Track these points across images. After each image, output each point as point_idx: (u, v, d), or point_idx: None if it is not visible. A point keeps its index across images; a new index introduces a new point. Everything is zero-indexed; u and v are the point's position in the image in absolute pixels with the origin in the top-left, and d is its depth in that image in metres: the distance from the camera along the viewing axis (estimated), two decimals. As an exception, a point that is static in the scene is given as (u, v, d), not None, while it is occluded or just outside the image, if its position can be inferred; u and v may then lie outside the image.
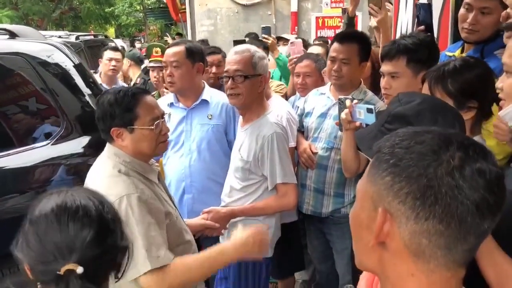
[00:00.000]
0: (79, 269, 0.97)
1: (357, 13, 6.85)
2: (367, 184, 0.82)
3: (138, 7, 25.27)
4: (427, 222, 0.73)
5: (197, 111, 2.74)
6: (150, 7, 21.67)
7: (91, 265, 1.00)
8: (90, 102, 3.08)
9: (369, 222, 0.79)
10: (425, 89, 1.69)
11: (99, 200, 1.11)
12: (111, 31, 30.14)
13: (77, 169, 2.91)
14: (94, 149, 2.78)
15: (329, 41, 4.16)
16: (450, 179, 0.72)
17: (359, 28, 7.08)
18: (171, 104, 2.80)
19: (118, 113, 1.81)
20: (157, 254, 1.69)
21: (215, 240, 2.50)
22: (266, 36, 4.11)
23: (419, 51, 2.09)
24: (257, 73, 2.26)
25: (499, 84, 1.44)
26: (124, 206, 1.68)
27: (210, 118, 2.72)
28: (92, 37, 9.78)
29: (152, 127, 1.84)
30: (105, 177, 1.80)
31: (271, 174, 2.25)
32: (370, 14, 2.82)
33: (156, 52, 4.00)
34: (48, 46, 3.18)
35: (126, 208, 1.69)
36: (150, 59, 4.09)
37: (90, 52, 8.16)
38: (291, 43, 3.63)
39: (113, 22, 26.33)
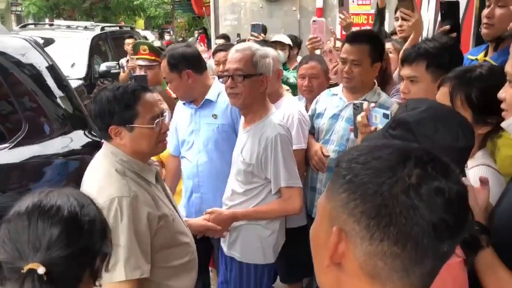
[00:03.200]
0: (40, 269, 0.93)
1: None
2: (325, 199, 0.77)
3: (166, 0, 25.42)
4: (382, 243, 0.69)
5: (204, 111, 2.69)
6: (178, 0, 21.74)
7: (58, 266, 0.95)
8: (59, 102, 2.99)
9: (327, 241, 0.74)
10: (442, 95, 1.59)
11: (81, 202, 1.06)
12: (140, 23, 30.49)
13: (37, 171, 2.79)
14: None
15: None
16: (405, 198, 0.67)
17: (386, 27, 6.90)
18: (184, 103, 2.77)
19: (117, 111, 1.74)
20: (135, 266, 1.66)
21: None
22: (255, 34, 3.93)
23: (440, 55, 1.98)
24: (258, 73, 2.17)
25: (501, 94, 1.36)
26: (114, 208, 1.64)
27: (215, 118, 2.66)
28: (118, 28, 9.83)
29: (153, 126, 1.78)
30: (100, 176, 1.76)
31: (275, 177, 2.17)
32: (402, 19, 2.70)
33: (144, 50, 3.89)
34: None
35: (116, 211, 1.64)
36: (137, 57, 3.96)
37: (115, 43, 8.18)
38: (313, 21, 3.33)
39: (142, 14, 26.56)
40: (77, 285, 1.02)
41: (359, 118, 2.05)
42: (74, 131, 3.03)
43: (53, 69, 3.11)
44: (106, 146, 1.84)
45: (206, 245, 2.70)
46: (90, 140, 3.09)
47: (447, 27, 2.24)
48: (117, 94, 1.75)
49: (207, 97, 2.66)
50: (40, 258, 0.95)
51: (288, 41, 4.61)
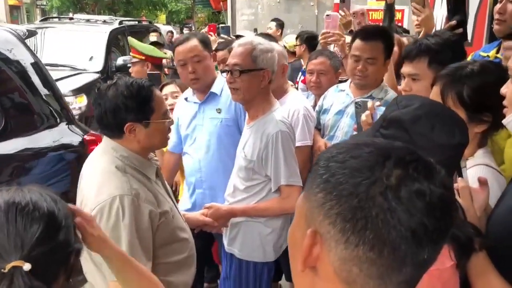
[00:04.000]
0: (26, 266, 0.91)
1: (403, 7, 6.55)
2: (303, 199, 0.73)
3: (187, -6, 25.54)
4: (357, 248, 0.64)
5: (208, 105, 2.65)
6: (198, -5, 21.83)
7: (40, 262, 0.94)
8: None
9: (302, 242, 0.70)
10: (435, 94, 1.53)
11: (52, 197, 1.05)
12: (162, 18, 30.69)
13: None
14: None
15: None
16: (382, 200, 0.63)
17: (405, 23, 6.78)
18: (186, 99, 2.75)
19: (134, 107, 1.70)
20: None
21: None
22: (225, 36, 3.88)
23: (442, 52, 1.91)
24: (257, 67, 2.13)
25: (503, 90, 1.30)
26: (115, 207, 1.62)
27: (219, 112, 2.62)
28: (136, 22, 9.89)
29: (166, 120, 1.79)
30: (100, 173, 1.72)
31: (275, 175, 2.13)
32: (413, 13, 2.64)
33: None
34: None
35: (117, 209, 1.62)
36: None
37: (133, 37, 8.23)
38: (326, 15, 3.25)
39: (163, 9, 26.73)
40: (53, 282, 1.00)
41: (363, 117, 2.00)
42: (59, 125, 3.04)
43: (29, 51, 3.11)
44: (106, 142, 1.81)
45: (207, 239, 2.69)
46: (75, 134, 3.10)
47: (454, 22, 2.18)
48: (132, 90, 1.71)
49: (212, 90, 2.63)
50: (23, 255, 0.93)
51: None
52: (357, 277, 0.66)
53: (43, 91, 3.00)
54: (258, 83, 2.14)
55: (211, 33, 4.86)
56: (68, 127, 3.09)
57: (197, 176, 2.66)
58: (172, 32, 14.48)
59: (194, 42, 2.60)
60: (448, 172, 1.17)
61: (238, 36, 5.23)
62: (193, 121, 2.68)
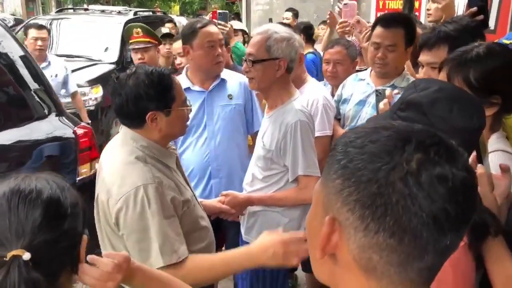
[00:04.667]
0: (26, 255, 0.88)
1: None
2: (320, 185, 0.72)
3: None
4: (377, 235, 0.63)
5: (217, 92, 2.64)
6: (212, -15, 21.78)
7: (43, 252, 0.91)
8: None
9: (320, 230, 0.68)
10: (442, 78, 1.50)
11: (61, 185, 1.02)
12: (175, 9, 30.71)
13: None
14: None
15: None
16: (402, 186, 0.61)
17: (422, 14, 6.67)
18: (187, 89, 2.63)
19: (155, 96, 1.69)
20: (172, 250, 1.63)
21: (238, 226, 2.43)
22: (222, 23, 3.69)
23: (462, 38, 1.85)
24: (272, 57, 2.09)
25: None
26: (140, 197, 1.61)
27: (230, 98, 2.62)
28: (151, 13, 9.90)
29: (186, 108, 1.79)
30: (121, 164, 1.71)
31: (293, 165, 2.11)
32: (433, 1, 2.58)
33: (137, 33, 3.62)
34: None
35: (143, 199, 1.61)
36: (131, 41, 3.68)
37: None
38: (344, 4, 3.17)
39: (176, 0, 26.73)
40: (60, 271, 0.98)
41: (381, 105, 1.97)
42: (48, 117, 3.06)
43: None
44: (125, 132, 1.79)
45: (215, 229, 2.68)
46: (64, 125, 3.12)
47: (474, 9, 2.12)
48: (153, 79, 1.70)
49: (222, 76, 2.63)
50: (24, 244, 0.90)
51: (239, 26, 4.88)
52: (377, 264, 0.65)
53: (32, 84, 3.00)
54: (272, 72, 2.11)
55: (214, 20, 4.78)
56: (59, 119, 3.10)
57: (213, 165, 2.63)
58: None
59: (213, 28, 2.62)
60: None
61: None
62: (200, 111, 2.63)
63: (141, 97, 1.68)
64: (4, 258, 0.89)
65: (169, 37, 4.55)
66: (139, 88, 1.68)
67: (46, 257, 0.92)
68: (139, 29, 3.61)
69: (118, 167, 1.71)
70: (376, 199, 0.62)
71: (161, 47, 4.72)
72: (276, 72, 2.10)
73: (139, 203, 1.60)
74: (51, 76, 4.44)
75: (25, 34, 4.63)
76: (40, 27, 4.53)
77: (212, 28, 2.62)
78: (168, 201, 1.67)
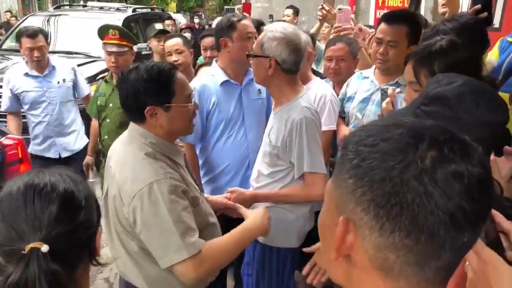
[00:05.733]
0: (44, 247, 0.90)
1: (420, -7, 6.45)
2: (332, 185, 0.70)
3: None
4: (393, 235, 0.62)
5: (250, 87, 2.71)
6: (210, -18, 21.69)
7: (60, 243, 0.93)
8: None
9: (334, 231, 0.68)
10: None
11: (73, 178, 1.04)
12: (172, 6, 30.61)
13: None
14: None
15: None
16: (417, 184, 0.60)
17: (422, 8, 6.67)
18: (225, 82, 2.66)
19: (154, 90, 1.70)
20: (191, 241, 1.65)
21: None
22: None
23: (460, 36, 1.87)
24: (264, 55, 2.10)
25: None
26: (154, 193, 1.61)
27: (260, 93, 2.72)
28: (150, 10, 9.88)
29: (188, 104, 1.77)
30: (132, 161, 1.71)
31: (298, 162, 2.11)
32: None
33: (113, 34, 3.39)
34: None
35: (156, 195, 1.62)
36: (105, 41, 3.42)
37: (146, 25, 8.22)
38: (338, 9, 3.21)
39: (174, -3, 26.64)
40: (77, 263, 1.00)
41: (384, 104, 1.98)
42: None
43: None
44: (133, 129, 1.80)
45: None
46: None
47: (478, 6, 2.12)
48: (153, 74, 1.71)
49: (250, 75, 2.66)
50: (41, 236, 0.92)
51: None
52: (394, 264, 0.64)
53: None
54: (264, 69, 2.11)
55: (245, 13, 4.56)
56: None
57: (251, 156, 2.63)
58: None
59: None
60: (488, 150, 1.16)
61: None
62: (238, 103, 2.67)
63: (139, 92, 1.69)
64: (23, 251, 0.90)
65: (164, 33, 4.48)
66: (138, 83, 1.69)
67: (63, 249, 0.93)
68: (116, 31, 3.42)
69: (128, 164, 1.70)
70: (390, 198, 0.61)
71: (155, 44, 4.63)
72: (267, 69, 2.10)
73: (154, 200, 1.61)
74: (58, 83, 3.97)
75: (19, 42, 3.87)
76: (33, 34, 3.74)
77: (248, 21, 2.69)
78: (182, 194, 1.69)
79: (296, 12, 6.12)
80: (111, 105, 3.49)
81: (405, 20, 2.37)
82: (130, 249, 1.73)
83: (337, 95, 2.81)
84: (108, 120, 3.53)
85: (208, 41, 3.75)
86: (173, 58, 3.57)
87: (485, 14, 2.14)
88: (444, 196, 0.60)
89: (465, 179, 0.61)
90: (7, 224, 0.93)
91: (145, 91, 1.69)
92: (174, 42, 3.66)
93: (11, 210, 0.94)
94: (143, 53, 6.67)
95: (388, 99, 1.96)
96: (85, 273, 1.05)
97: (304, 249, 1.92)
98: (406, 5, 6.37)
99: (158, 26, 6.86)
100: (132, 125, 1.80)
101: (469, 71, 1.40)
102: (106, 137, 3.53)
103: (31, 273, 0.88)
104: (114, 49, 3.38)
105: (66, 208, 0.96)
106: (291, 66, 2.12)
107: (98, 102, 3.58)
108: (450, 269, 0.66)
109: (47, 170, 1.02)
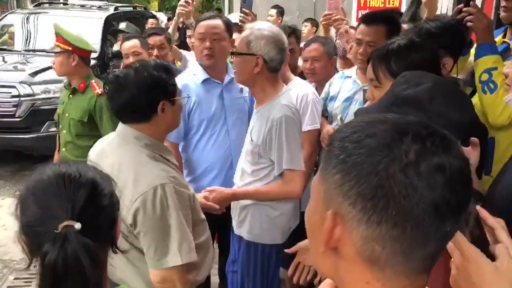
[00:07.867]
0: (77, 225, 0.96)
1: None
2: (318, 181, 0.73)
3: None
4: (380, 226, 0.64)
5: (231, 85, 2.69)
6: (192, -19, 21.54)
7: (89, 223, 0.99)
8: None
9: (322, 225, 0.70)
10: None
11: (94, 168, 1.11)
12: (154, 4, 30.31)
13: None
14: None
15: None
16: (403, 177, 0.63)
17: (403, 8, 6.75)
18: (206, 80, 2.66)
19: (165, 85, 1.74)
20: (188, 250, 1.67)
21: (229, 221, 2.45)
22: (246, 11, 3.21)
23: (443, 35, 1.93)
24: (250, 52, 2.12)
25: (505, 69, 1.34)
26: (159, 196, 1.62)
27: (241, 92, 2.71)
28: (132, 8, 9.80)
29: (185, 97, 1.81)
30: (131, 163, 1.69)
31: (278, 159, 2.14)
32: None
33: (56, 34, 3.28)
34: None
35: (161, 198, 1.62)
36: (56, 43, 3.31)
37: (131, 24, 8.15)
38: None
39: (156, -5, 26.39)
40: (102, 247, 1.04)
41: (366, 105, 2.02)
42: None
43: None
44: (124, 132, 1.77)
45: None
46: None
47: (461, 6, 2.19)
48: (161, 68, 1.75)
49: (231, 74, 2.66)
50: (74, 215, 0.97)
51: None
52: (380, 254, 0.66)
53: None
54: (250, 67, 2.12)
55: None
56: None
57: (234, 155, 2.61)
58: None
59: (217, 22, 2.65)
60: None
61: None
62: (220, 102, 2.65)
63: (153, 87, 1.71)
64: (56, 230, 0.95)
65: (121, 33, 4.32)
66: (150, 78, 1.71)
67: (92, 228, 0.99)
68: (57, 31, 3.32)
69: (127, 166, 1.68)
70: (377, 191, 0.63)
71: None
72: (253, 68, 2.12)
73: (158, 204, 1.61)
74: None
75: None
76: None
77: (206, 22, 2.68)
78: (185, 199, 1.71)
79: (281, 12, 6.13)
80: (67, 114, 3.34)
81: (383, 21, 2.42)
82: (129, 256, 1.71)
83: (320, 95, 2.84)
84: (64, 132, 3.37)
85: (156, 39, 3.62)
86: (131, 60, 3.36)
87: (466, 14, 2.19)
88: (428, 188, 0.63)
89: (447, 171, 0.64)
90: (39, 206, 0.99)
91: (158, 86, 1.72)
92: (131, 44, 3.52)
93: (43, 193, 1.01)
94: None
95: (369, 102, 2.00)
96: (106, 260, 1.08)
97: (286, 250, 1.94)
98: (387, 5, 6.43)
99: (122, 25, 6.70)
100: (123, 128, 1.78)
101: (426, 67, 1.44)
102: (63, 149, 3.38)
103: (70, 249, 0.93)
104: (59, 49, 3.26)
105: (93, 192, 1.02)
106: (277, 65, 2.15)
107: (58, 110, 3.49)
108: (433, 258, 0.69)
109: (71, 162, 1.10)
